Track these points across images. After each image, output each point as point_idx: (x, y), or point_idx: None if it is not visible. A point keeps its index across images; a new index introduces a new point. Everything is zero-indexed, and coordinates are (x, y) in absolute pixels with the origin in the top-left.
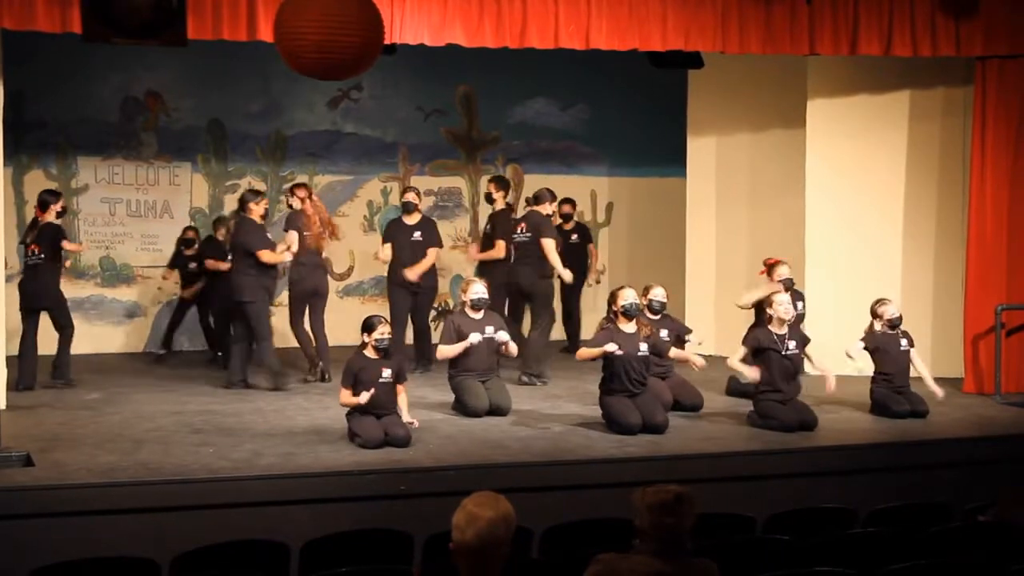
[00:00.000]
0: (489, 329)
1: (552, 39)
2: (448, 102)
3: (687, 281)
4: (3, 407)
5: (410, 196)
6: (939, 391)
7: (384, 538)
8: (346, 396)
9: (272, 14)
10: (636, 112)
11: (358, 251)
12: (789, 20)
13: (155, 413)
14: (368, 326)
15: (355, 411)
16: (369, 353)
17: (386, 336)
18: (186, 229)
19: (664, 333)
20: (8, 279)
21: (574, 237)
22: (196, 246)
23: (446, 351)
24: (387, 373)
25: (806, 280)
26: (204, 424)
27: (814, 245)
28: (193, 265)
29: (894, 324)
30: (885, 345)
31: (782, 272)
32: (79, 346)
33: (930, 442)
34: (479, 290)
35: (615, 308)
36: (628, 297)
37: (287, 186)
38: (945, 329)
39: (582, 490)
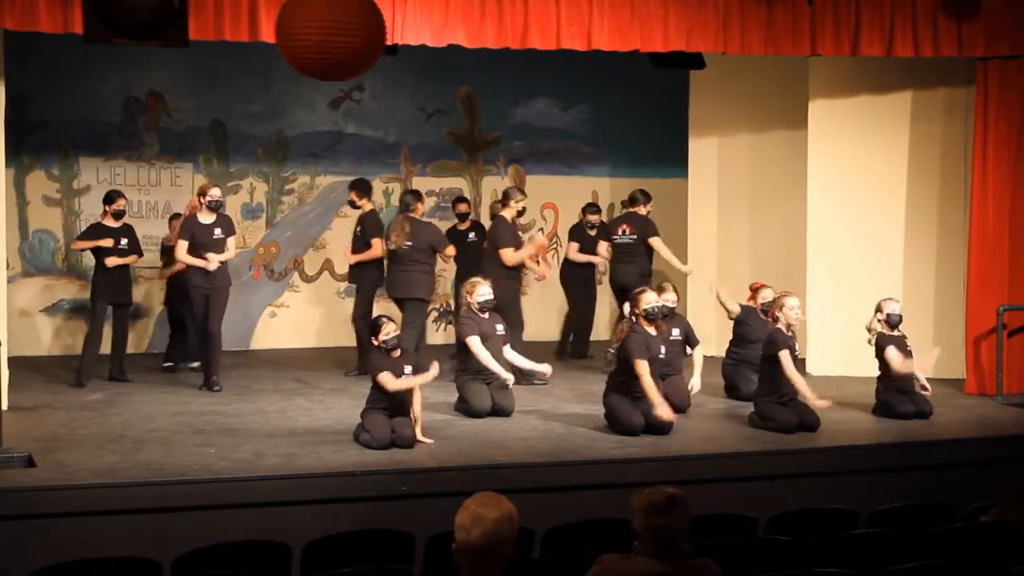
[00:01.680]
0: (499, 327)
1: (554, 40)
2: (450, 103)
3: (688, 282)
4: (5, 408)
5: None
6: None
7: (386, 539)
8: (391, 379)
9: (273, 15)
10: (637, 113)
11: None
12: (791, 21)
13: (157, 414)
14: (374, 327)
15: (372, 407)
16: (383, 352)
17: (392, 335)
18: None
19: (675, 332)
20: (10, 280)
21: (471, 236)
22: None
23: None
24: (408, 369)
25: (808, 281)
26: (206, 425)
27: (816, 246)
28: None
29: (892, 322)
30: (894, 349)
31: (765, 295)
32: (79, 346)
33: (932, 443)
34: (486, 292)
35: (637, 311)
36: (650, 300)
37: (203, 187)
38: (947, 330)
39: (584, 491)
